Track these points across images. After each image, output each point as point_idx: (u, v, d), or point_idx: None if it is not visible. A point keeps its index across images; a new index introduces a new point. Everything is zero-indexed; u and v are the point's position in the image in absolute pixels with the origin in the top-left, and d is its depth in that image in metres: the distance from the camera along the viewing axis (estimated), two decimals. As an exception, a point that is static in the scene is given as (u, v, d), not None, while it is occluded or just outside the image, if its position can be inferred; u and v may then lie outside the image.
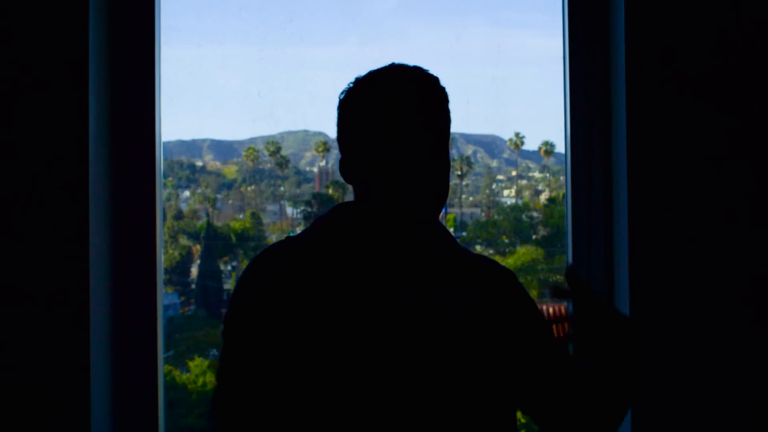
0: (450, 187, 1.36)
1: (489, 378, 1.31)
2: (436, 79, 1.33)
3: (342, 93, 1.36)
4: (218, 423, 1.29)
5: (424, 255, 1.34)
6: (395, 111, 1.28)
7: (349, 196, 1.39)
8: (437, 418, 1.26)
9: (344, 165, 1.36)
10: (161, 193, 2.00)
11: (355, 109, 1.33)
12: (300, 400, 1.26)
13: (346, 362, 1.25)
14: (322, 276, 1.28)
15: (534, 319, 1.40)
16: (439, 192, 1.31)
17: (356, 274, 1.29)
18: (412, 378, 1.26)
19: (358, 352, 1.25)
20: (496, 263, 1.45)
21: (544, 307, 1.40)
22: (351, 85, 1.35)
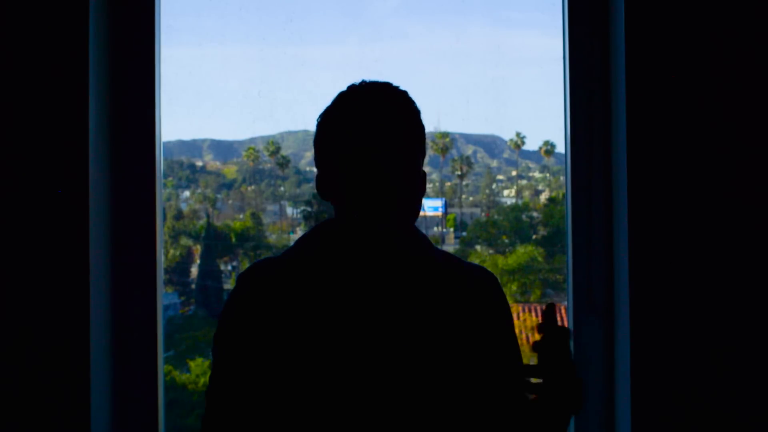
0: (421, 200, 1.39)
1: (461, 384, 1.34)
2: (403, 94, 1.36)
3: (320, 116, 1.40)
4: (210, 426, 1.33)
5: (401, 268, 1.36)
6: (361, 127, 1.31)
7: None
8: (414, 424, 1.29)
9: (319, 183, 1.41)
10: (161, 193, 2.00)
11: (325, 128, 1.38)
12: (283, 409, 1.30)
13: (325, 373, 1.29)
14: (303, 294, 1.33)
15: (503, 331, 1.42)
16: (409, 204, 1.35)
17: (336, 291, 1.33)
18: (390, 386, 1.29)
19: (337, 363, 1.29)
20: (479, 269, 1.46)
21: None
22: (329, 105, 1.39)
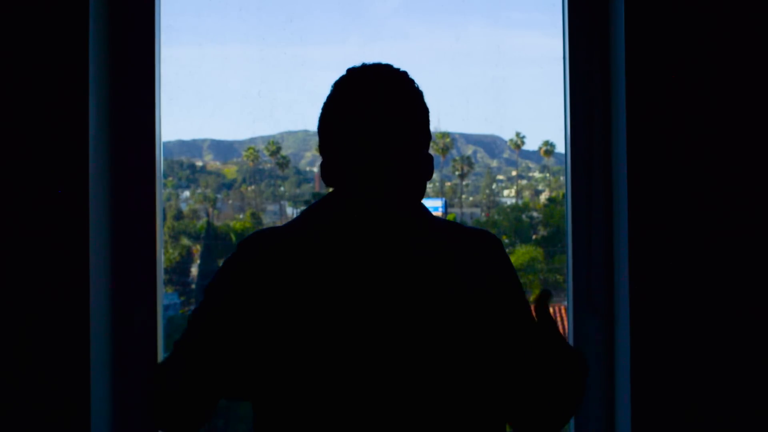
0: (426, 182, 1.38)
1: (474, 358, 1.32)
2: (403, 75, 1.35)
3: (323, 105, 1.39)
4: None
5: (405, 238, 1.35)
6: (361, 112, 1.30)
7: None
8: (420, 403, 1.27)
9: (324, 169, 1.38)
10: (161, 193, 2.00)
11: (326, 115, 1.36)
12: (276, 381, 1.28)
13: (326, 341, 1.27)
14: (305, 262, 1.31)
15: (511, 289, 1.41)
16: (414, 185, 1.34)
17: (339, 261, 1.32)
18: (403, 359, 1.27)
19: (347, 332, 1.27)
20: (481, 231, 1.45)
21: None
22: (330, 92, 1.38)
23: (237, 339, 1.28)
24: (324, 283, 1.30)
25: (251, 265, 1.32)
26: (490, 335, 1.34)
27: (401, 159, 1.30)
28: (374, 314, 1.29)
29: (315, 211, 1.40)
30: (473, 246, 1.41)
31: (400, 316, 1.30)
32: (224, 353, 1.27)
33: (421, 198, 1.38)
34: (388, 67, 1.35)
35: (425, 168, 1.36)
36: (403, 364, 1.27)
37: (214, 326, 1.29)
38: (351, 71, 1.36)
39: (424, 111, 1.36)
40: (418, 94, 1.35)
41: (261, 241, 1.36)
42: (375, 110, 1.30)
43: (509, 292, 1.40)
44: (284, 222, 1.42)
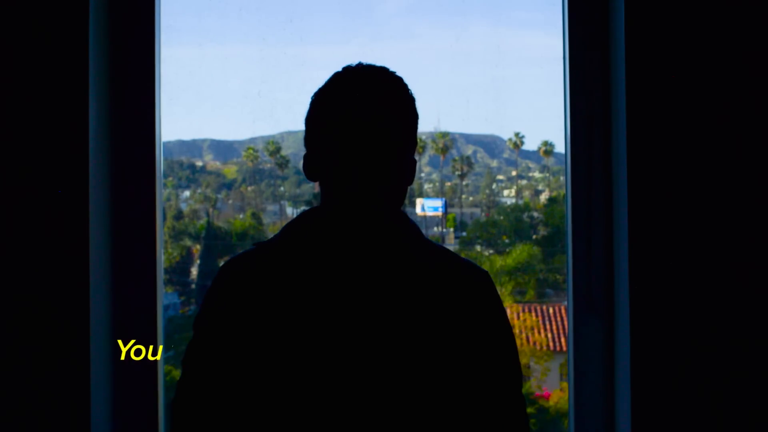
0: (407, 187, 1.38)
1: (444, 383, 1.30)
2: (399, 80, 1.35)
3: (314, 95, 1.38)
4: (178, 419, 1.32)
5: (388, 260, 1.32)
6: (353, 110, 1.30)
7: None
8: (392, 418, 1.27)
9: (306, 162, 1.38)
10: (161, 193, 2.00)
11: (319, 106, 1.36)
12: (262, 402, 1.29)
13: (306, 361, 1.27)
14: (287, 279, 1.30)
15: (494, 329, 1.35)
16: (397, 188, 1.34)
17: (320, 278, 1.30)
18: (371, 379, 1.27)
19: (318, 350, 1.27)
20: (470, 266, 1.39)
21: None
22: (323, 84, 1.38)
23: (228, 368, 1.29)
24: (308, 300, 1.29)
25: (229, 291, 1.32)
26: (464, 371, 1.31)
27: (388, 162, 1.30)
28: (354, 334, 1.28)
29: (296, 225, 1.37)
30: (461, 279, 1.34)
31: (378, 338, 1.28)
32: (222, 384, 1.29)
33: (402, 203, 1.37)
34: (384, 70, 1.36)
35: (409, 173, 1.36)
36: (370, 393, 1.27)
37: (205, 362, 1.31)
38: (348, 68, 1.36)
39: (414, 117, 1.36)
40: (411, 100, 1.36)
41: (243, 263, 1.35)
42: (367, 109, 1.30)
43: (490, 333, 1.34)
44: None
